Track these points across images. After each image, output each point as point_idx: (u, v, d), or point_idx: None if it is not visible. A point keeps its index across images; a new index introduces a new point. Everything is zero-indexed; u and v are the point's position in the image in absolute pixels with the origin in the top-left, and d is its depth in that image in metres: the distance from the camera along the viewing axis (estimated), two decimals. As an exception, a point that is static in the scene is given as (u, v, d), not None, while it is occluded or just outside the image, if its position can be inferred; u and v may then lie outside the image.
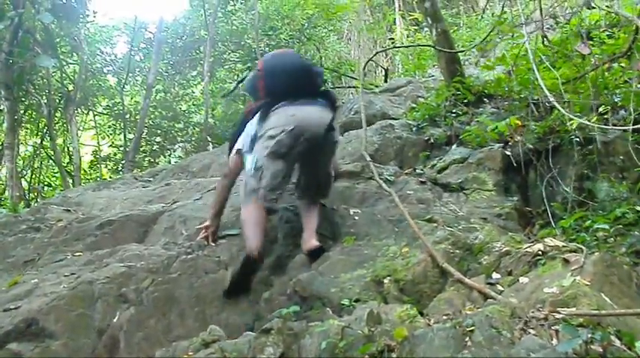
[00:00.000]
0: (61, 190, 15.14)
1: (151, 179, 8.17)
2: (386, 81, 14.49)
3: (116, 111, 18.60)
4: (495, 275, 3.93)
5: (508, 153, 5.73)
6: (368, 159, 5.95)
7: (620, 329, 2.73)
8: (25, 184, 15.32)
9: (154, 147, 18.99)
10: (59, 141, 16.39)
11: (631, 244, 3.93)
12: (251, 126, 5.22)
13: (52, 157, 16.16)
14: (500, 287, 3.70)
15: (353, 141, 6.46)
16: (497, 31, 7.45)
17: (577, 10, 7.75)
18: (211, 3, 17.49)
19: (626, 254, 3.82)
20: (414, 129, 6.91)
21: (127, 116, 18.17)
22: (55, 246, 5.42)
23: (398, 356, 2.84)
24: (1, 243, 5.70)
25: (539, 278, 3.49)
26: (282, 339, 3.23)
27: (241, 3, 18.38)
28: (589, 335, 2.53)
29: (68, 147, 16.61)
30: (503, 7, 8.60)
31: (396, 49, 16.16)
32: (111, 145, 19.36)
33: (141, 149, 17.81)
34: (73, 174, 15.75)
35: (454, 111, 6.87)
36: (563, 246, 3.92)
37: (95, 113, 18.68)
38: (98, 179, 17.10)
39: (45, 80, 15.00)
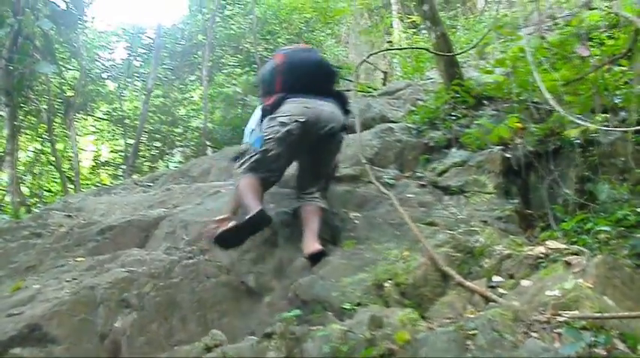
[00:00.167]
0: (62, 195, 15.15)
1: (151, 184, 8.17)
2: (385, 84, 14.49)
3: (115, 117, 18.61)
4: (497, 279, 3.92)
5: (508, 155, 5.72)
6: (364, 161, 5.95)
7: (624, 332, 2.73)
8: (25, 190, 15.33)
9: (153, 152, 18.99)
10: (59, 146, 16.39)
11: (633, 246, 3.92)
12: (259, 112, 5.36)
13: (53, 163, 16.17)
14: (501, 291, 3.70)
15: (352, 145, 6.44)
16: (496, 33, 7.46)
17: (576, 10, 7.75)
18: (209, 8, 17.50)
19: (628, 256, 3.81)
20: (413, 132, 6.90)
21: (127, 121, 18.18)
22: (57, 252, 5.43)
23: (400, 360, 2.85)
24: (3, 249, 5.71)
25: (540, 281, 3.50)
26: (285, 343, 3.24)
27: (239, 7, 18.39)
28: (592, 339, 2.54)
29: (68, 153, 16.61)
30: (497, 9, 8.60)
31: (394, 52, 16.13)
32: (111, 150, 19.37)
33: (140, 154, 17.82)
34: (73, 179, 15.76)
35: (454, 114, 6.86)
36: (565, 249, 3.92)
37: (95, 118, 18.69)
38: (98, 184, 17.13)
39: (44, 86, 15.00)
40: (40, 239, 5.86)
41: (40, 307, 3.96)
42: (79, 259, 5.17)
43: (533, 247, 4.14)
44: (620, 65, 5.73)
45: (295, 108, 4.94)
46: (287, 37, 16.94)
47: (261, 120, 5.21)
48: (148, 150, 18.88)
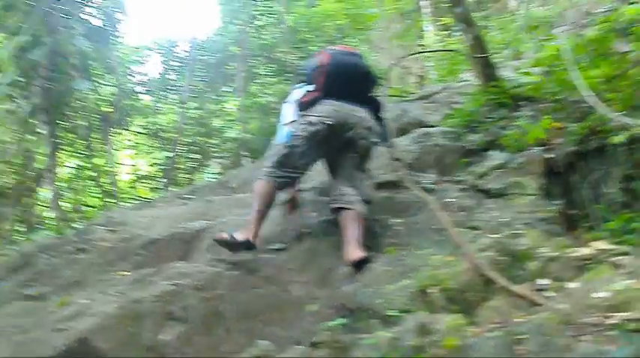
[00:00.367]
0: (102, 210, 15.28)
1: (191, 196, 8.21)
2: (419, 88, 14.44)
3: (152, 130, 18.73)
4: (542, 281, 3.87)
5: (549, 156, 5.66)
6: (401, 165, 5.93)
7: (677, 333, 2.68)
8: (66, 205, 15.47)
9: (191, 164, 19.08)
10: (98, 161, 16.52)
11: (681, 244, 3.86)
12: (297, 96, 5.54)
13: (92, 178, 16.31)
14: (548, 294, 3.65)
15: (390, 151, 6.42)
16: (530, 33, 7.40)
17: (614, 5, 7.64)
18: (242, 19, 17.57)
19: (677, 255, 3.75)
20: (451, 136, 6.83)
21: (163, 134, 18.30)
22: (102, 266, 5.50)
23: (449, 367, 2.83)
24: (48, 265, 5.80)
25: (588, 283, 3.45)
26: (332, 352, 3.23)
27: (271, 17, 18.45)
28: (646, 340, 2.50)
29: (107, 168, 16.74)
30: (530, 7, 8.52)
31: (428, 56, 16.06)
32: (149, 164, 19.48)
33: (178, 166, 17.92)
34: (112, 193, 15.89)
35: (491, 116, 6.78)
36: (611, 250, 3.86)
37: (132, 132, 18.82)
38: (137, 198, 17.26)
39: (81, 103, 15.15)
40: (85, 254, 5.93)
41: (87, 321, 4.01)
42: (123, 273, 5.22)
43: (579, 248, 4.08)
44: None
45: (325, 110, 5.11)
46: (319, 44, 16.93)
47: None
48: (186, 162, 18.97)
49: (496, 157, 6.09)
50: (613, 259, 3.55)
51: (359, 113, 5.18)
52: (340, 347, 3.25)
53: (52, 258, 5.99)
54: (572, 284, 3.56)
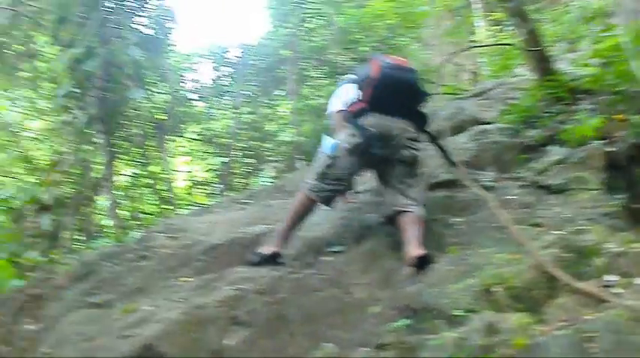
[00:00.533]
0: (159, 217, 15.43)
1: (248, 201, 8.25)
2: (473, 85, 14.31)
3: (206, 136, 18.87)
4: (610, 278, 3.80)
5: (610, 149, 5.56)
6: (458, 165, 5.88)
7: None
8: (124, 213, 15.66)
9: (246, 169, 19.19)
10: (154, 169, 16.70)
11: None
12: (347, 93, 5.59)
13: (148, 185, 16.48)
14: (616, 290, 3.58)
15: (448, 150, 6.38)
16: (586, 23, 7.28)
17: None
18: (292, 22, 17.61)
19: None
20: (509, 132, 6.75)
21: (217, 140, 18.42)
22: (164, 273, 5.54)
23: (519, 366, 2.79)
24: (111, 273, 5.86)
25: (657, 278, 3.38)
26: (398, 354, 3.21)
27: (321, 19, 18.46)
28: None
29: (163, 175, 16.91)
30: None
31: (481, 52, 15.93)
32: (204, 170, 19.63)
33: (233, 171, 18.02)
34: (169, 200, 16.04)
35: (549, 110, 6.69)
36: (681, 243, 3.79)
37: (186, 139, 18.98)
38: (194, 204, 17.39)
39: (136, 111, 15.33)
40: (146, 261, 5.98)
41: (152, 328, 4.05)
42: (185, 279, 5.25)
43: (646, 243, 4.00)
44: None
45: (369, 123, 5.13)
46: (370, 44, 16.90)
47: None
48: (240, 167, 19.08)
49: (556, 152, 6.00)
50: (683, 253, 3.46)
51: (402, 125, 5.20)
52: (406, 348, 3.23)
53: (115, 265, 6.06)
54: (640, 280, 3.49)
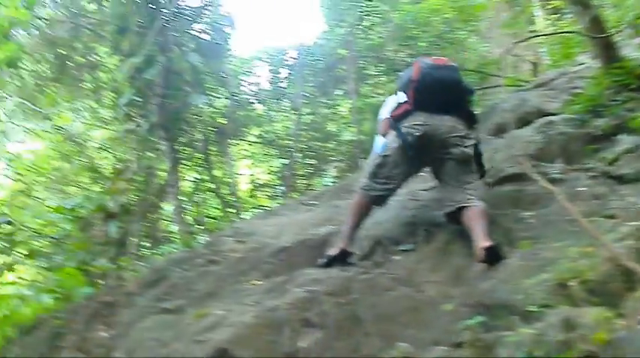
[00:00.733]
0: (223, 221, 15.54)
1: (315, 202, 8.26)
2: (534, 75, 14.12)
3: (267, 139, 18.96)
4: (689, 268, 3.71)
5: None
6: (523, 158, 5.81)
7: None
8: (189, 218, 15.79)
9: (308, 170, 19.23)
10: (217, 173, 16.82)
11: None
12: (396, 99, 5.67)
13: (212, 190, 16.60)
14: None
15: (514, 143, 6.32)
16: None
17: None
18: (347, 21, 17.58)
19: None
20: (576, 122, 6.63)
21: (279, 142, 18.48)
22: (234, 277, 5.59)
23: (601, 362, 2.74)
24: (182, 278, 5.93)
25: None
26: (475, 352, 3.18)
27: (377, 17, 18.39)
28: None
29: (226, 179, 17.02)
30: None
31: (541, 41, 15.71)
32: (267, 172, 19.70)
33: (296, 173, 18.07)
34: (233, 204, 16.14)
35: (617, 98, 6.55)
36: None
37: (248, 142, 19.09)
38: (257, 207, 17.48)
39: (197, 117, 15.46)
40: (216, 266, 6.04)
41: (225, 332, 4.08)
42: (256, 282, 5.29)
43: None
44: None
45: (415, 122, 5.25)
46: (428, 39, 16.79)
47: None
48: (303, 168, 19.12)
49: (625, 141, 5.88)
50: None
51: (449, 122, 5.24)
52: (483, 346, 3.19)
53: (185, 271, 6.13)
54: None
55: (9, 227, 10.06)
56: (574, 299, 3.60)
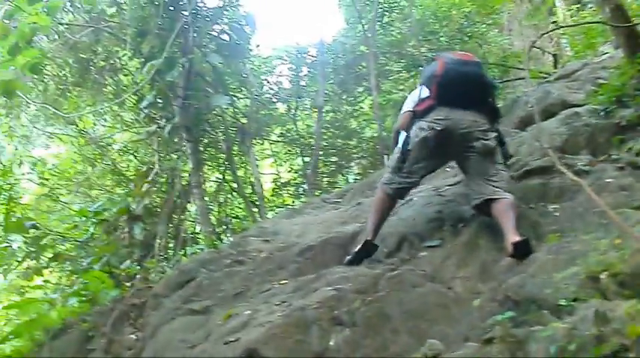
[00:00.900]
0: (248, 221, 15.56)
1: (339, 200, 8.26)
2: (556, 67, 14.03)
3: (290, 137, 18.96)
4: None
5: None
6: (548, 148, 5.76)
7: None
8: (214, 219, 15.82)
9: (331, 167, 19.22)
10: (240, 173, 16.83)
11: None
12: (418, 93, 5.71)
13: (236, 190, 16.62)
14: None
15: (539, 135, 6.26)
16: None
17: None
18: (367, 17, 17.55)
19: None
20: (601, 113, 6.57)
21: (301, 140, 18.48)
22: (261, 277, 5.60)
23: (636, 355, 2.70)
24: (209, 279, 5.95)
25: None
26: (507, 348, 3.14)
27: (397, 13, 18.34)
28: None
29: (249, 178, 17.04)
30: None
31: (562, 32, 15.61)
32: (289, 171, 19.70)
33: (319, 171, 18.06)
34: (257, 203, 16.15)
35: (643, 88, 6.51)
36: None
37: (270, 142, 19.10)
38: (281, 206, 17.50)
39: (219, 117, 15.48)
40: (243, 266, 6.05)
41: (254, 332, 4.08)
42: (283, 282, 5.30)
43: None
44: None
45: (437, 117, 5.27)
46: (449, 34, 16.73)
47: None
48: (326, 165, 19.11)
49: (653, 132, 5.83)
50: None
51: (471, 117, 5.24)
52: (514, 342, 3.16)
53: (212, 272, 6.14)
54: None
55: (35, 231, 10.12)
56: (605, 293, 3.56)
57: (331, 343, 3.91)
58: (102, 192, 16.69)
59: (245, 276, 5.74)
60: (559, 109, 7.29)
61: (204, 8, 13.59)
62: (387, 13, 18.28)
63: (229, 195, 17.15)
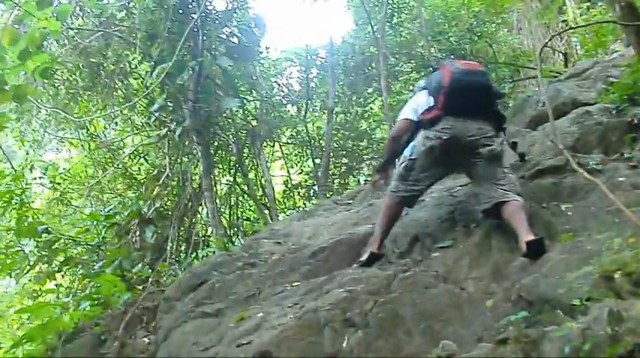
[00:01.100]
0: (259, 223, 15.55)
1: (350, 201, 8.26)
2: (566, 66, 14.00)
3: (300, 139, 18.96)
4: None
5: None
6: (563, 149, 5.75)
7: None
8: (225, 221, 15.82)
9: (342, 169, 19.21)
10: (251, 175, 16.83)
11: None
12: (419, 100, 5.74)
13: (247, 192, 16.62)
14: None
15: (550, 135, 6.24)
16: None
17: None
18: (377, 19, 17.53)
19: None
20: (613, 112, 6.57)
21: (312, 142, 18.47)
22: (273, 279, 5.59)
23: (651, 354, 2.68)
24: (221, 282, 5.94)
25: None
26: (521, 348, 3.13)
27: (406, 14, 18.34)
28: None
29: (260, 181, 17.04)
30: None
31: (572, 31, 15.58)
32: (299, 173, 19.69)
33: (330, 173, 18.05)
34: (268, 205, 16.16)
35: (655, 86, 6.49)
36: None
37: (280, 144, 19.09)
38: (292, 208, 17.49)
39: (229, 120, 15.49)
40: (255, 268, 6.05)
41: (267, 334, 4.08)
42: (295, 284, 5.29)
43: None
44: None
45: (443, 126, 5.32)
46: (458, 34, 16.72)
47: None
48: (337, 167, 19.10)
49: (665, 129, 5.81)
50: None
51: (476, 125, 5.29)
52: (529, 342, 3.14)
53: (224, 274, 6.13)
54: None
55: (47, 235, 10.14)
56: (619, 292, 3.53)
57: (344, 345, 3.90)
58: (113, 195, 16.70)
59: (257, 279, 5.73)
60: (570, 108, 7.29)
61: (214, 11, 13.60)
62: (396, 14, 18.30)
63: (240, 198, 17.14)
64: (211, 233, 14.55)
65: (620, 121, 6.35)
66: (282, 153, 19.39)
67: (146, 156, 16.62)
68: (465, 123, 5.27)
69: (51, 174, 15.46)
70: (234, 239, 14.36)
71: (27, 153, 16.65)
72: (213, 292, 5.83)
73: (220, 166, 16.42)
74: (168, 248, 12.04)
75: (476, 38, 16.76)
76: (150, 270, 9.86)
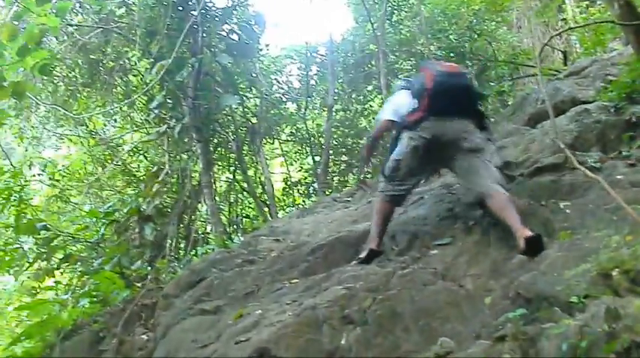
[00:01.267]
0: (258, 220, 15.56)
1: (349, 199, 8.27)
2: (565, 64, 14.00)
3: (300, 137, 18.96)
4: None
5: None
6: (563, 147, 5.76)
7: None
8: (224, 218, 15.82)
9: (342, 167, 19.21)
10: (250, 172, 16.84)
11: None
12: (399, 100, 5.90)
13: (246, 189, 16.62)
14: None
15: (549, 133, 6.25)
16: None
17: None
18: (376, 16, 17.52)
19: None
20: (611, 110, 6.59)
21: (311, 139, 18.47)
22: (272, 276, 5.60)
23: (649, 352, 2.69)
24: (219, 279, 5.94)
25: None
26: (519, 345, 3.14)
27: (406, 11, 18.34)
28: None
29: (259, 178, 17.05)
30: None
31: (572, 30, 15.58)
32: (299, 170, 19.69)
33: (330, 170, 18.05)
34: (267, 203, 16.16)
35: (652, 85, 6.50)
36: None
37: (280, 141, 19.08)
38: (292, 205, 17.47)
39: (229, 117, 15.48)
40: (254, 265, 6.05)
41: (265, 331, 4.07)
42: (294, 281, 5.30)
43: None
44: None
45: (425, 127, 5.44)
46: (458, 31, 16.71)
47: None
48: (336, 165, 19.10)
49: (662, 128, 5.82)
50: None
51: (458, 124, 5.41)
52: (526, 339, 3.15)
53: (223, 271, 6.14)
54: None
55: (46, 232, 10.13)
56: (617, 289, 3.54)
57: (342, 342, 3.89)
58: (112, 192, 16.72)
59: (256, 276, 5.74)
60: (569, 106, 7.31)
61: (213, 8, 13.61)
62: (396, 12, 18.29)
63: (240, 195, 17.15)
64: (210, 230, 14.57)
65: (618, 119, 6.37)
66: (282, 151, 19.39)
67: (145, 153, 16.63)
68: (446, 122, 5.38)
69: (50, 171, 15.47)
70: (233, 236, 14.33)
71: (26, 150, 16.69)
72: (212, 289, 5.84)
73: (220, 163, 16.43)
74: (167, 245, 12.04)
75: (475, 36, 16.75)
76: (149, 267, 9.86)
